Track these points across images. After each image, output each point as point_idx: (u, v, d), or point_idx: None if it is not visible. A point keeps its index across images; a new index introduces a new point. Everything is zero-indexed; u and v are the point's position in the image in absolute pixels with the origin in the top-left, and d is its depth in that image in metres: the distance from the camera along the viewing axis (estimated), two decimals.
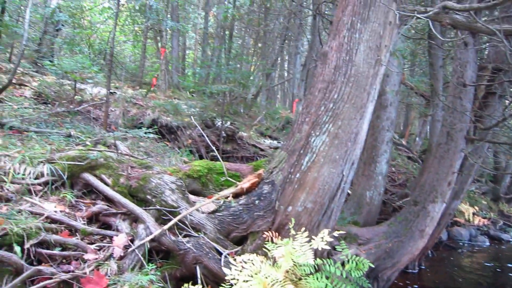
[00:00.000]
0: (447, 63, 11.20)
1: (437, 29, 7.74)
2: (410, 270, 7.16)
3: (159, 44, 13.30)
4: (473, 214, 10.31)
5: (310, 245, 2.83)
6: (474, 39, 5.90)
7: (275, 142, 10.79)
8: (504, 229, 10.58)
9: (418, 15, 3.66)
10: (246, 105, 14.47)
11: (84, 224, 3.54)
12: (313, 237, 2.94)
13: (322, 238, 2.85)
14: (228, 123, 9.57)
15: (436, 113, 9.26)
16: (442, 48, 8.46)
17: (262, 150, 9.66)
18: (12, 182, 3.59)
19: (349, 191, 8.49)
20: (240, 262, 2.94)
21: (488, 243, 9.67)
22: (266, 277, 2.80)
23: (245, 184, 3.87)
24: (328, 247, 2.81)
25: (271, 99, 18.25)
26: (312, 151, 3.59)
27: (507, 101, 7.13)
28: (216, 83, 12.82)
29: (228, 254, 3.38)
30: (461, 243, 9.41)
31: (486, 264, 8.15)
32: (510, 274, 7.51)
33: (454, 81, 6.53)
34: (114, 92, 9.53)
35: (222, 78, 11.11)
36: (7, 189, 3.52)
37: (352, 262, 3.49)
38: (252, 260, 2.94)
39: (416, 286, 6.48)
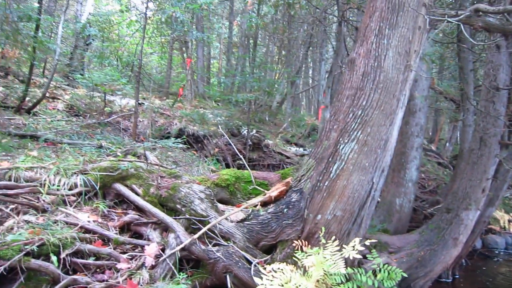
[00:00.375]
0: (478, 66, 10.89)
1: (467, 31, 7.55)
2: (444, 279, 6.92)
3: (185, 55, 13.54)
4: (509, 221, 9.90)
5: (341, 254, 2.79)
6: (507, 41, 5.72)
7: (301, 149, 10.74)
8: None
9: (449, 19, 3.58)
10: (272, 113, 14.50)
11: (116, 233, 3.61)
12: (344, 246, 2.90)
13: (353, 247, 2.81)
14: (254, 131, 9.61)
15: (467, 118, 8.99)
16: (473, 51, 8.24)
17: (288, 157, 9.63)
18: (47, 193, 3.72)
19: (379, 199, 8.34)
20: (270, 271, 2.93)
21: None
22: (297, 287, 2.77)
23: (273, 192, 3.86)
24: (359, 256, 2.76)
25: (296, 107, 18.21)
26: (341, 159, 3.55)
27: None
28: (241, 91, 12.91)
29: (258, 263, 3.37)
30: (496, 252, 9.03)
31: None
32: None
33: (487, 84, 6.33)
34: (142, 103, 9.76)
35: (247, 87, 11.19)
36: (43, 200, 3.64)
37: (384, 272, 3.42)
38: (282, 269, 2.93)
39: None
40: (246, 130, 9.14)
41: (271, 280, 2.81)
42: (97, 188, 4.03)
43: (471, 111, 8.86)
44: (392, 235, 6.05)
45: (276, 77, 15.75)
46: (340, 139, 3.61)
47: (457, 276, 7.13)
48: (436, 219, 6.09)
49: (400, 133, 6.90)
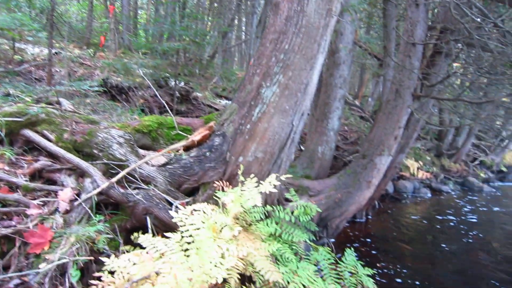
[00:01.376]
0: (399, 24, 11.41)
1: None
2: (358, 220, 7.57)
3: (108, 2, 12.50)
4: (418, 168, 10.94)
5: (258, 189, 2.88)
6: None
7: (230, 102, 10.69)
8: (444, 182, 11.36)
9: None
10: (202, 66, 14.15)
11: (26, 180, 3.38)
12: (261, 181, 3.01)
13: (270, 182, 2.92)
14: (182, 83, 9.35)
15: (387, 72, 9.51)
16: (397, 8, 8.59)
17: (217, 110, 9.56)
18: None
19: (302, 147, 8.70)
20: (191, 211, 2.96)
21: (430, 195, 10.37)
22: (215, 223, 2.84)
23: (196, 137, 3.84)
24: (275, 190, 2.88)
25: (228, 61, 17.95)
26: (263, 102, 3.60)
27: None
28: (170, 42, 12.33)
29: (179, 204, 3.38)
30: (405, 195, 10.02)
31: (427, 213, 8.78)
32: (452, 222, 8.14)
33: (405, 39, 6.70)
34: (59, 52, 8.95)
35: (176, 36, 10.71)
36: None
37: (300, 208, 3.62)
38: (202, 209, 2.97)
39: (363, 234, 6.88)
40: (174, 82, 8.85)
41: (188, 216, 2.84)
42: (3, 135, 3.70)
43: (391, 67, 9.37)
44: (314, 180, 6.40)
45: (207, 29, 15.26)
46: (263, 83, 3.63)
47: (370, 217, 7.81)
48: (353, 165, 6.53)
49: (324, 85, 7.16)
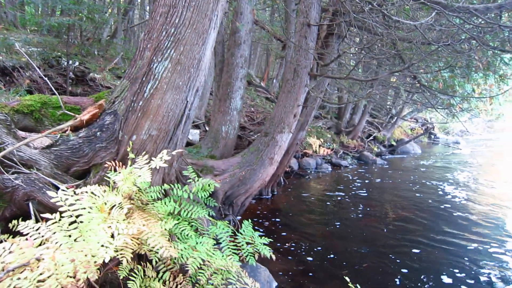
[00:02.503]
0: (298, 7, 11.87)
1: None
2: (264, 196, 7.86)
3: None
4: (319, 146, 11.65)
5: (149, 166, 2.82)
6: None
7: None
8: (343, 157, 12.27)
9: None
10: (101, 46, 13.25)
11: None
12: (152, 158, 2.95)
13: (161, 157, 2.87)
14: (77, 63, 8.67)
15: (288, 53, 9.88)
16: None
17: None
18: None
19: (206, 127, 8.70)
20: (78, 193, 2.79)
21: (330, 169, 11.14)
22: (105, 203, 2.73)
23: (84, 116, 3.60)
24: (165, 165, 2.85)
25: (130, 42, 17.04)
26: (155, 78, 3.49)
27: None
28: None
29: (67, 188, 3.17)
30: (309, 171, 10.64)
31: (328, 186, 9.43)
32: (350, 192, 8.83)
33: (301, 21, 6.99)
34: None
35: (66, 11, 9.83)
36: None
37: (198, 185, 3.64)
38: (92, 190, 2.82)
39: (268, 209, 7.16)
40: (67, 62, 8.17)
41: (77, 200, 2.68)
42: None
43: (291, 48, 9.73)
44: (218, 160, 6.46)
45: (106, 6, 14.27)
46: (154, 58, 3.52)
47: (275, 193, 8.14)
48: (256, 143, 6.72)
49: (226, 64, 7.20)
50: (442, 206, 7.72)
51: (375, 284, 4.29)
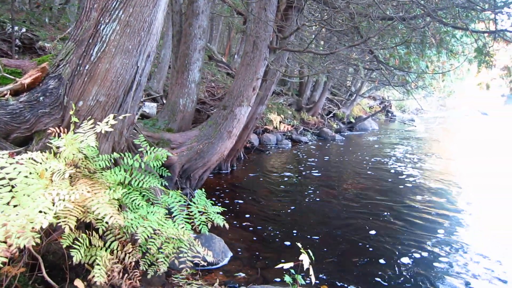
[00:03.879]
0: None
1: None
2: (224, 171, 7.83)
3: None
4: (280, 122, 11.71)
5: (94, 130, 2.68)
6: None
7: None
8: (303, 133, 12.42)
9: None
10: (53, 14, 12.47)
11: None
12: (98, 123, 2.80)
13: (107, 122, 2.74)
14: (24, 29, 8.10)
15: (248, 27, 9.71)
16: None
17: None
18: None
19: (164, 101, 8.48)
20: (17, 160, 2.62)
21: (290, 145, 11.26)
22: (46, 169, 2.58)
23: (26, 79, 3.36)
24: (110, 129, 2.72)
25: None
26: (102, 40, 3.30)
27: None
28: None
29: (7, 155, 2.96)
30: (269, 147, 10.70)
31: (287, 161, 9.54)
32: (308, 166, 8.97)
33: None
34: None
35: None
36: None
37: (150, 153, 3.53)
38: (33, 157, 2.65)
39: (228, 183, 7.15)
40: (11, 27, 7.61)
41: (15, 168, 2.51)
42: None
43: (251, 21, 9.56)
44: (175, 133, 6.33)
45: None
46: (101, 19, 3.31)
47: (234, 168, 8.12)
48: (214, 116, 6.62)
49: (184, 35, 6.96)
50: (393, 179, 8.02)
51: (328, 252, 4.41)
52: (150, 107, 7.88)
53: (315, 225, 5.28)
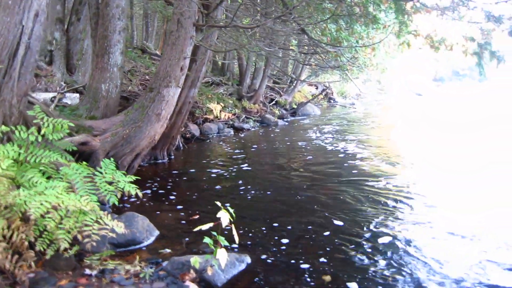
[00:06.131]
0: None
1: None
2: (160, 161, 7.42)
3: None
4: (221, 111, 11.44)
5: None
6: None
7: None
8: (246, 121, 12.25)
9: None
10: None
11: None
12: None
13: None
14: None
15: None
16: None
17: None
18: None
19: (84, 87, 7.92)
20: None
21: (232, 133, 11.03)
22: None
23: None
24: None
25: None
26: None
27: None
28: None
29: None
30: (210, 136, 10.40)
31: (229, 148, 9.31)
32: (251, 150, 8.77)
33: None
34: None
35: None
36: None
37: (48, 125, 3.12)
38: None
39: (164, 173, 6.77)
40: None
41: None
42: None
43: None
44: (98, 120, 5.86)
45: None
46: None
47: (172, 157, 7.74)
48: (141, 99, 6.22)
49: (101, 16, 6.48)
50: (330, 155, 8.05)
51: (261, 235, 4.20)
52: (72, 98, 7.30)
53: (250, 205, 5.03)
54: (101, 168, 3.05)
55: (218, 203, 2.72)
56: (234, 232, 2.64)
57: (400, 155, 7.97)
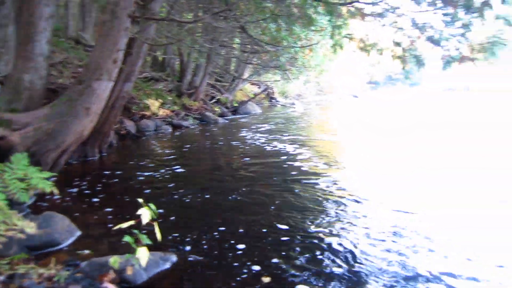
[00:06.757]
0: None
1: None
2: (91, 158, 7.06)
3: None
4: (159, 108, 11.16)
5: None
6: None
7: None
8: (185, 119, 12.04)
9: None
10: None
11: None
12: None
13: None
14: None
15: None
16: None
17: None
18: None
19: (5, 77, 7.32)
20: None
21: (170, 130, 10.80)
22: None
23: None
24: None
25: None
26: None
27: None
28: None
29: None
30: (147, 133, 10.09)
31: (165, 145, 9.10)
32: (187, 147, 8.62)
33: None
34: None
35: None
36: None
37: None
38: None
39: (95, 170, 6.45)
40: None
41: None
42: None
43: None
44: (19, 113, 5.43)
45: None
46: None
47: (104, 154, 7.41)
48: (69, 92, 5.88)
49: (27, 0, 6.02)
50: (267, 152, 8.17)
51: (191, 235, 4.14)
52: None
53: (186, 205, 4.91)
54: (11, 163, 2.81)
55: (140, 200, 2.61)
56: (156, 229, 2.56)
57: (336, 156, 8.24)
